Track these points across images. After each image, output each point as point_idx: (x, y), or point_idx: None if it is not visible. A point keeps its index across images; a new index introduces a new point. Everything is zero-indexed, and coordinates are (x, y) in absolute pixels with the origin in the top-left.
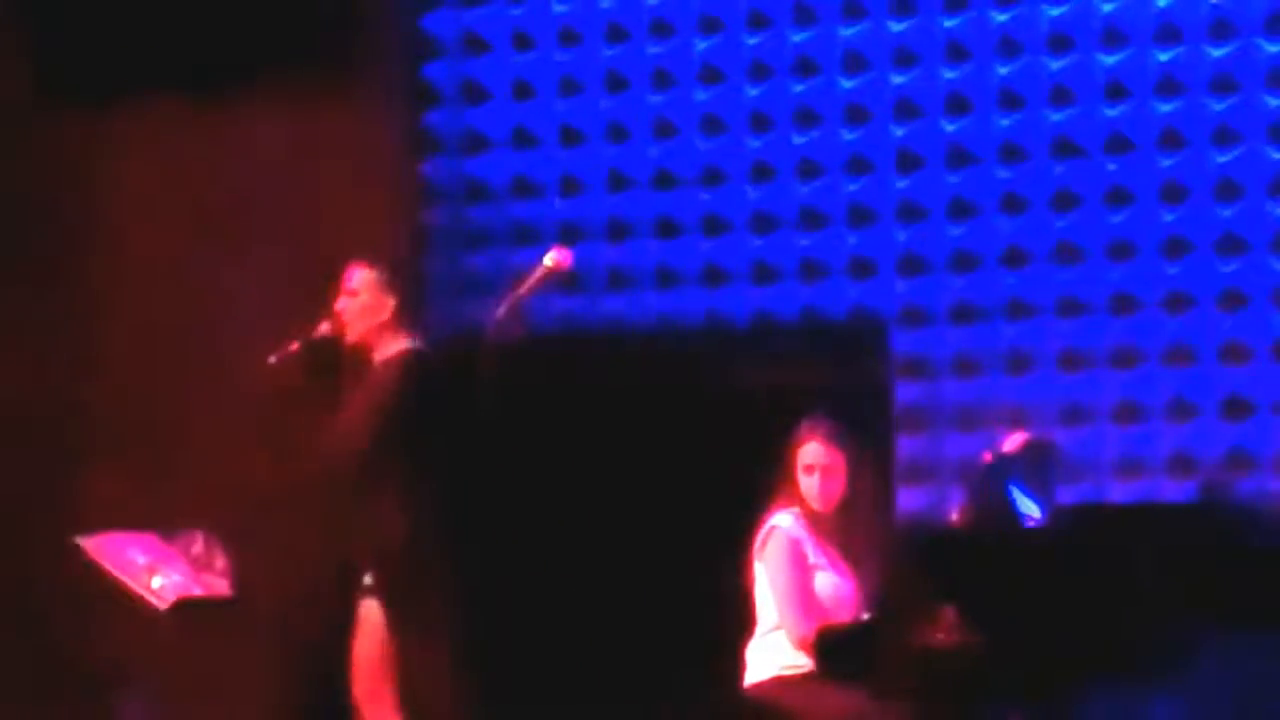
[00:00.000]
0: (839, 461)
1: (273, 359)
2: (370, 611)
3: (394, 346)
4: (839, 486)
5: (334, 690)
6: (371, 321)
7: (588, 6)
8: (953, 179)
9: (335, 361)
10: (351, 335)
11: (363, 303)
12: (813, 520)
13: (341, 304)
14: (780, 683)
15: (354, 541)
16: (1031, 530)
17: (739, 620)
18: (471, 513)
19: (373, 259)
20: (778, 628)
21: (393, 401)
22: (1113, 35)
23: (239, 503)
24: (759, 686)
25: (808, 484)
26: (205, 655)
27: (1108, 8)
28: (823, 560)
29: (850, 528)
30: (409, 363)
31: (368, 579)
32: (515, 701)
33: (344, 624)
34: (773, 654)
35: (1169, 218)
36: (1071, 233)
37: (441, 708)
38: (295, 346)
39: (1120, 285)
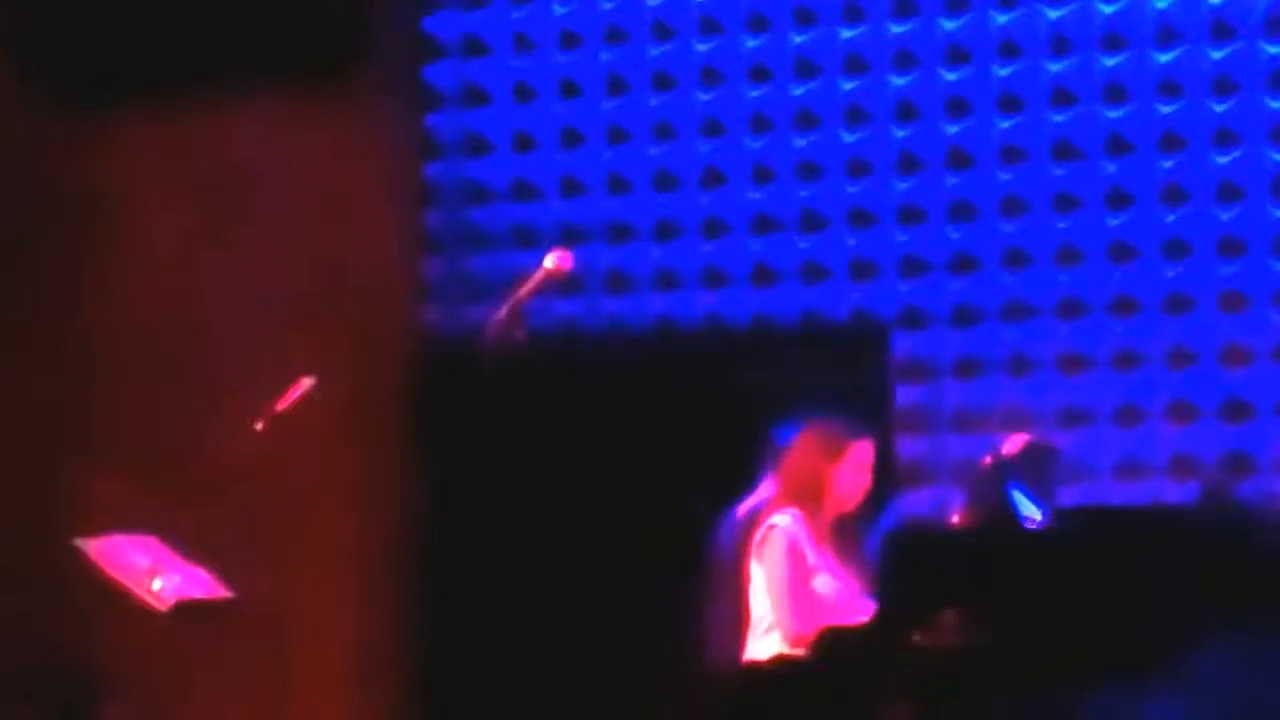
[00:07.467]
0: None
1: (259, 425)
2: None
3: None
4: None
5: None
6: None
7: (588, 9)
8: (953, 181)
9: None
10: None
11: None
12: (811, 522)
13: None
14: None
15: None
16: (1032, 532)
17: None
18: (469, 512)
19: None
20: (773, 627)
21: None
22: (1113, 37)
23: (238, 503)
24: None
25: (859, 483)
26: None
27: (1108, 9)
28: (821, 562)
29: (847, 531)
30: None
31: None
32: (510, 700)
33: None
34: (768, 653)
35: (1169, 219)
36: (1072, 235)
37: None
38: (280, 408)
39: (1121, 287)
